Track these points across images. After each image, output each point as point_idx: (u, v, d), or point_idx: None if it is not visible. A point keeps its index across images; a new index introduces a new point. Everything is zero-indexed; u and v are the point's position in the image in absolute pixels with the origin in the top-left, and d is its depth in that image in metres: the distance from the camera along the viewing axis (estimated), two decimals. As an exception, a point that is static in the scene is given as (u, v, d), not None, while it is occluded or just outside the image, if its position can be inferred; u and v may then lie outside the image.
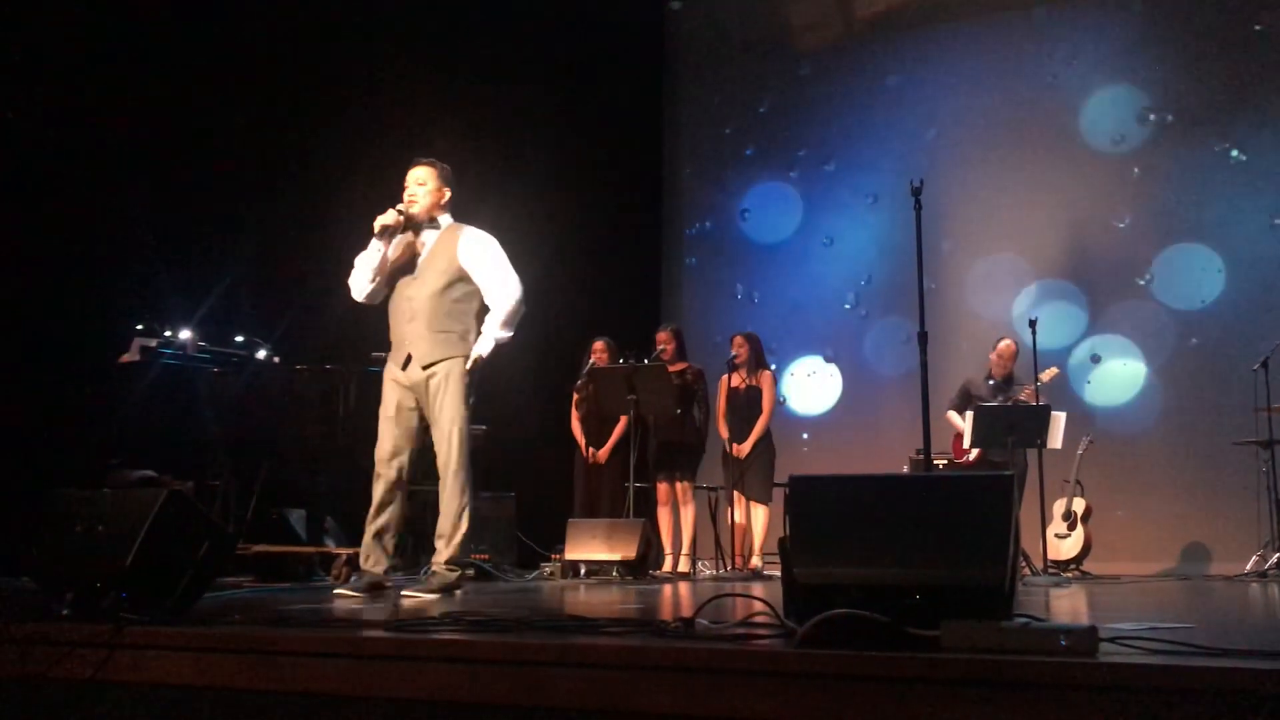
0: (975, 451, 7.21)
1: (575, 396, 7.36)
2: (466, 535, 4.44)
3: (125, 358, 5.82)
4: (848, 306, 9.58)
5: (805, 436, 9.24)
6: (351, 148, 7.49)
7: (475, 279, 4.54)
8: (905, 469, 7.59)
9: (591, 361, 7.20)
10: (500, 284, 4.55)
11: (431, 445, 4.49)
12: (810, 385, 9.47)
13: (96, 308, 6.38)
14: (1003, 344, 7.58)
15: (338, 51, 7.85)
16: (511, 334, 4.56)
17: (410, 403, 4.50)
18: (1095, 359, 8.76)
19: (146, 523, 2.98)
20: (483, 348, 4.50)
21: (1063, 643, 1.90)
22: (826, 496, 2.36)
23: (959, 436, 7.41)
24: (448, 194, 4.63)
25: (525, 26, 8.92)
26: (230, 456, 6.04)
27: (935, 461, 7.16)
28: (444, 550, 4.42)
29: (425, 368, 4.46)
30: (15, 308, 6.21)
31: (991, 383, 7.51)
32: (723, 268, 10.10)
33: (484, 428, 6.89)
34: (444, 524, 4.43)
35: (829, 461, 8.88)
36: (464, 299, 4.53)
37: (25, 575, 3.46)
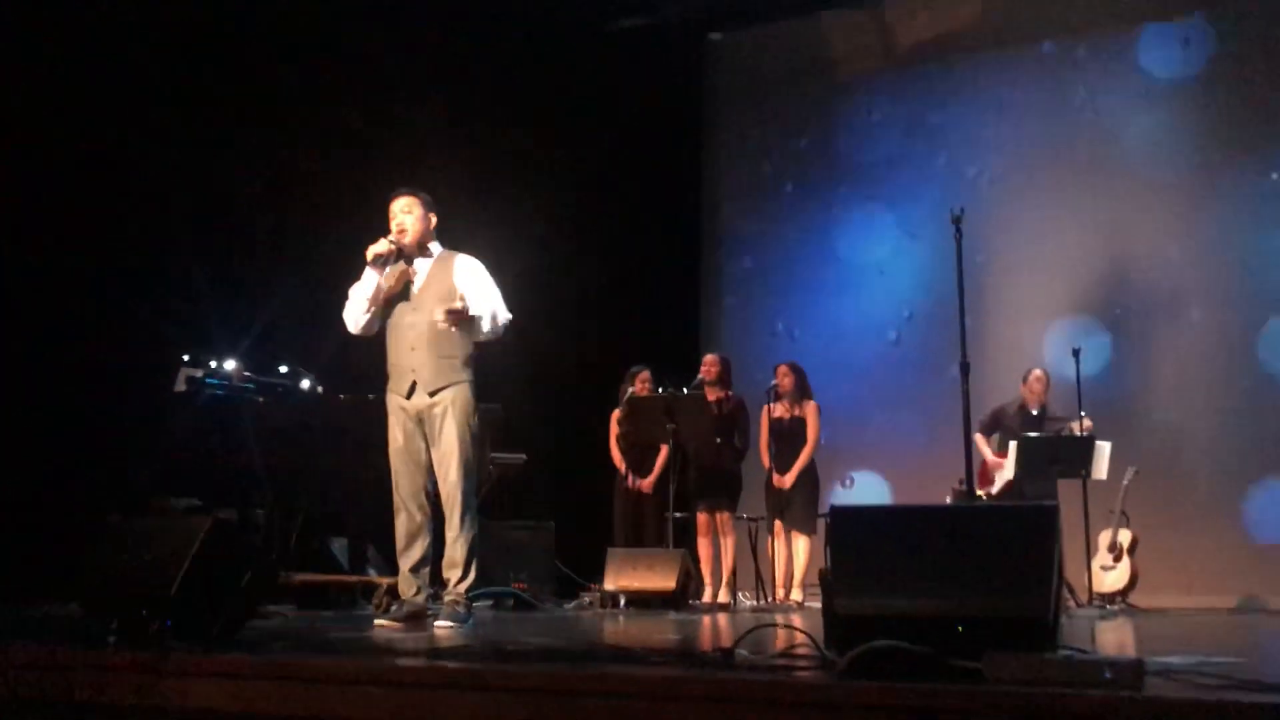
0: (1002, 482, 7.14)
1: (615, 424, 7.37)
2: (476, 564, 4.46)
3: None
4: (890, 340, 9.51)
5: (847, 464, 9.17)
6: (395, 182, 7.58)
7: (469, 301, 4.53)
8: (948, 500, 7.52)
9: (632, 390, 7.20)
10: (491, 310, 4.53)
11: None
12: (852, 408, 9.42)
13: (144, 337, 6.48)
14: (1034, 374, 7.50)
15: (379, 92, 7.97)
16: (486, 333, 4.50)
17: (416, 431, 4.51)
18: (1144, 378, 8.62)
19: (191, 551, 3.01)
20: (475, 307, 4.46)
21: (1107, 675, 1.87)
22: (868, 527, 2.35)
23: (985, 464, 7.37)
24: (434, 220, 4.64)
25: (562, 62, 8.99)
26: (273, 485, 6.07)
27: (978, 493, 7.09)
28: (458, 580, 4.42)
29: (431, 394, 4.47)
30: (63, 337, 6.33)
31: (1024, 413, 7.43)
32: (762, 303, 10.05)
33: (523, 456, 6.91)
34: (455, 553, 4.43)
35: (869, 493, 8.79)
36: (464, 324, 4.54)
37: (73, 601, 3.51)
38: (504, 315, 4.58)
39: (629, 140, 9.43)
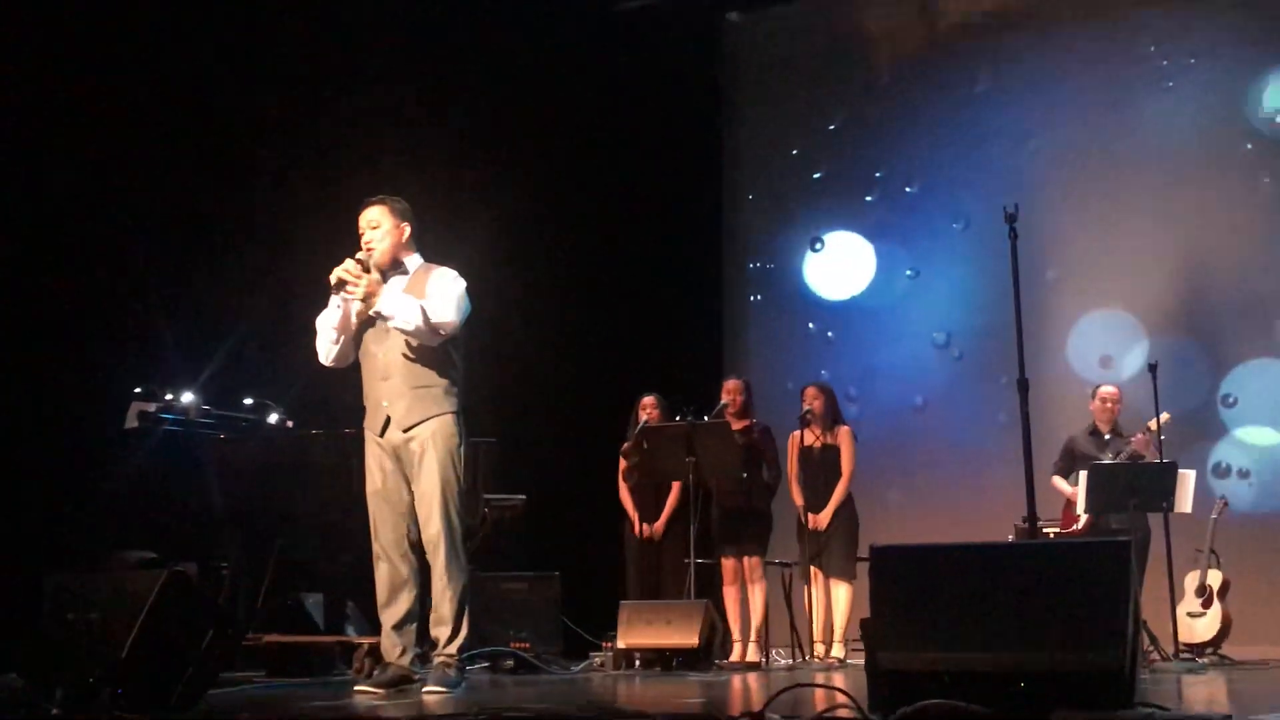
0: (1085, 519, 7.05)
1: (624, 462, 7.34)
2: (468, 619, 4.45)
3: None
4: (937, 347, 9.50)
5: (891, 498, 9.13)
6: (374, 187, 7.61)
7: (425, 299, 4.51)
8: (1010, 539, 7.46)
9: (644, 420, 7.20)
10: (442, 311, 4.47)
11: None
12: (896, 435, 9.39)
13: (90, 366, 6.49)
14: (1104, 389, 7.43)
15: (359, 92, 8.02)
16: (406, 326, 4.42)
17: (395, 471, 4.53)
18: (1229, 401, 8.58)
19: (144, 609, 3.02)
20: (387, 303, 4.40)
21: (1194, 737, 1.86)
22: (916, 570, 2.34)
23: (1069, 504, 7.26)
24: (407, 230, 4.62)
25: (564, 47, 9.02)
26: (239, 534, 6.07)
27: (1044, 530, 7.01)
28: (448, 639, 4.42)
29: (406, 430, 4.48)
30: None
31: (1095, 436, 7.37)
32: (793, 305, 10.04)
33: (522, 498, 6.89)
34: (442, 608, 4.43)
35: (919, 529, 8.76)
36: (443, 348, 4.54)
37: (12, 671, 3.52)
38: (440, 316, 4.47)
39: (637, 133, 9.44)
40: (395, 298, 4.45)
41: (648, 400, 7.32)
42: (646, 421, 7.14)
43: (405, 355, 4.51)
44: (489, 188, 8.62)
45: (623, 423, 7.36)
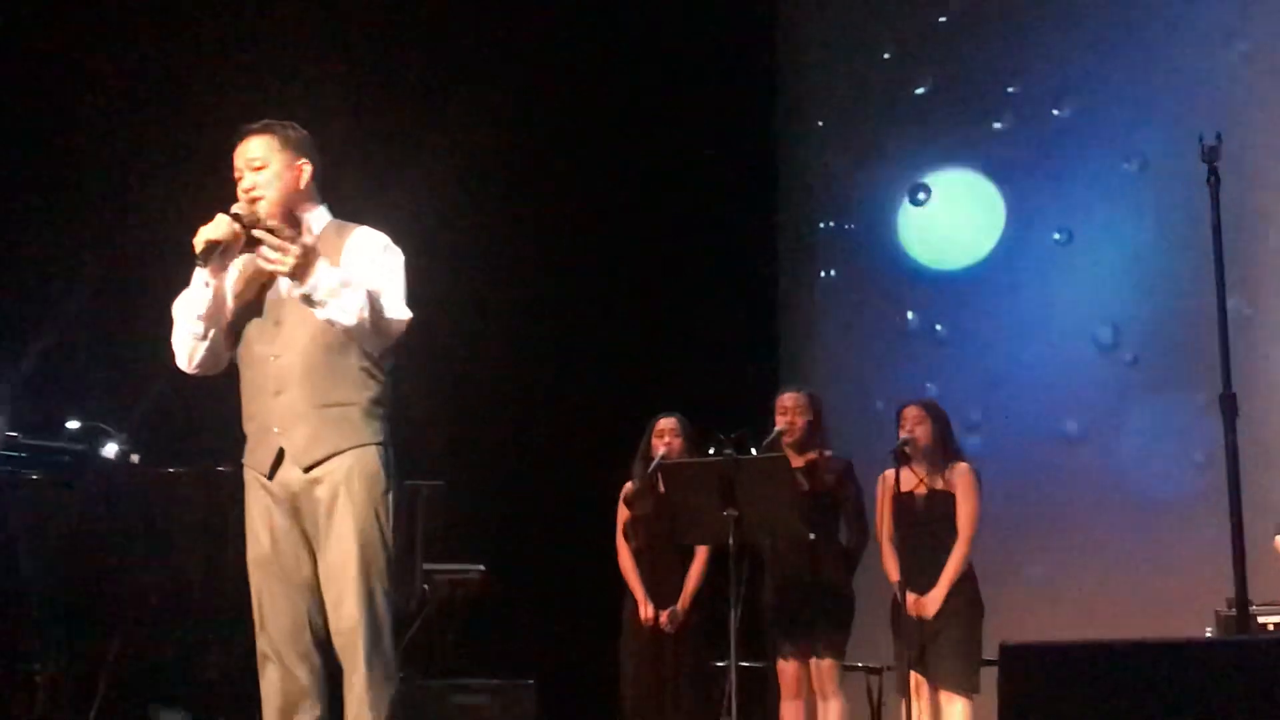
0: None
1: (626, 512, 7.37)
2: None
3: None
4: (1100, 347, 9.48)
5: (1031, 573, 9.12)
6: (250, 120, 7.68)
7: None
8: (1209, 631, 7.45)
9: (659, 453, 7.21)
10: (393, 300, 4.50)
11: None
12: (1038, 478, 9.38)
13: None
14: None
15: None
16: (344, 318, 4.34)
17: (291, 530, 4.54)
18: None
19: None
20: (324, 281, 4.31)
21: None
22: (1066, 679, 2.33)
23: None
24: (308, 171, 4.64)
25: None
26: (57, 625, 6.11)
27: (1261, 619, 6.99)
28: None
29: (309, 469, 4.49)
30: None
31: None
32: (883, 285, 10.05)
33: (480, 569, 6.90)
34: None
35: (1071, 619, 8.74)
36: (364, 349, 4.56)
37: None
38: (395, 311, 4.51)
39: (647, 28, 9.52)
40: (330, 275, 4.38)
41: (665, 424, 7.31)
42: (664, 455, 7.15)
43: (310, 358, 4.50)
44: (429, 115, 8.64)
45: (627, 456, 7.40)
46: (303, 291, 4.33)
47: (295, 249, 4.27)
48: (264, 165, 4.57)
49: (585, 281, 9.35)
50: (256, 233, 4.40)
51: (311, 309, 4.37)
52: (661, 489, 7.00)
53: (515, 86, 8.94)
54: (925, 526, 7.23)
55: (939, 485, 7.27)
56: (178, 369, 4.71)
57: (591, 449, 8.10)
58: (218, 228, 4.46)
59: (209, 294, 4.57)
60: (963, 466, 7.35)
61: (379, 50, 8.55)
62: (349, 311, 4.34)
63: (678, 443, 7.23)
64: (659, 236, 9.50)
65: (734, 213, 9.97)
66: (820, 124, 10.42)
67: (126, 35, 7.80)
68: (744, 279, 9.99)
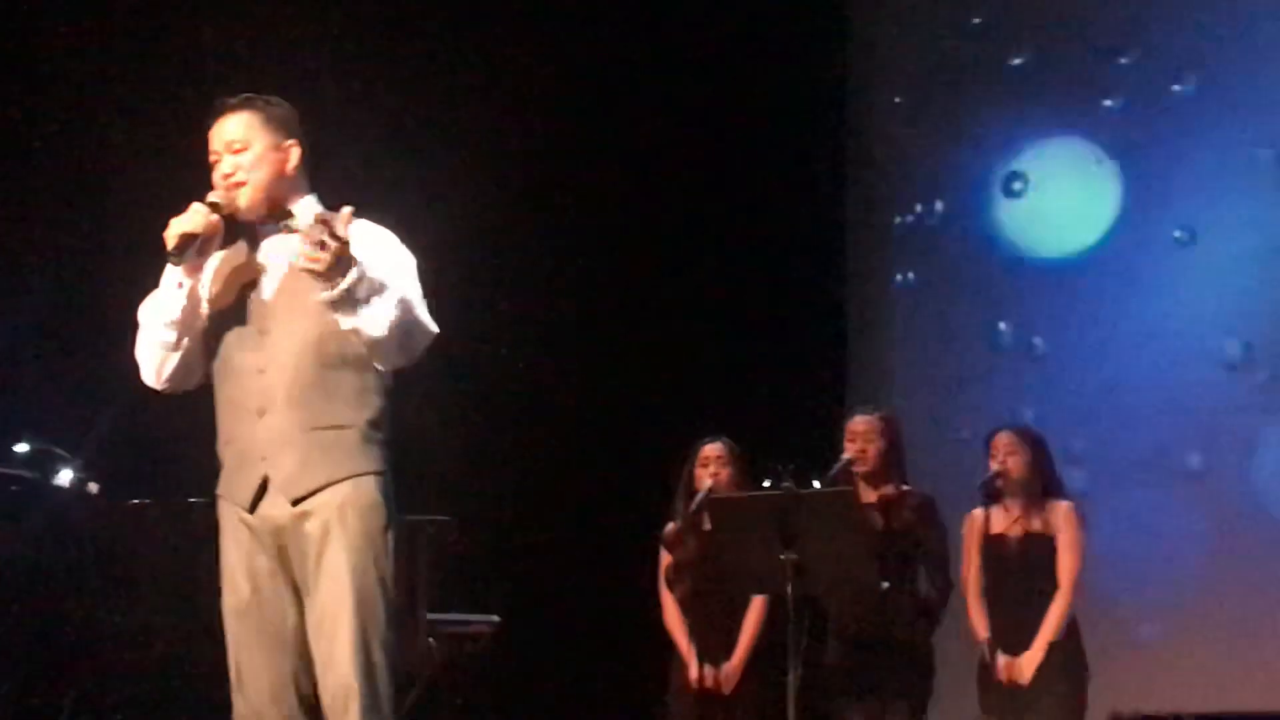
0: None
1: (668, 556, 7.40)
2: None
3: None
4: (1228, 367, 9.44)
5: (1145, 632, 9.09)
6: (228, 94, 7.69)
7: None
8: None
9: (705, 485, 7.23)
10: (401, 297, 4.41)
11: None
12: (1153, 520, 9.36)
13: None
14: None
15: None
16: (383, 334, 4.35)
17: (275, 574, 4.53)
18: None
19: None
20: (363, 277, 4.26)
21: None
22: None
23: None
24: (295, 155, 4.64)
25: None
26: (3, 679, 6.15)
27: None
28: None
29: (298, 501, 4.49)
30: None
31: None
32: (969, 289, 10.03)
33: (495, 619, 6.90)
34: None
35: (1191, 685, 8.70)
36: (360, 356, 4.53)
37: None
38: (426, 322, 4.54)
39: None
40: (368, 275, 4.33)
41: (711, 450, 7.31)
42: (710, 487, 7.17)
43: (301, 373, 4.48)
44: (442, 88, 8.68)
45: (667, 489, 7.43)
46: (336, 294, 4.28)
47: (333, 244, 4.21)
48: (245, 147, 4.51)
49: (618, 285, 9.33)
50: (178, 224, 4.39)
51: (338, 314, 4.33)
52: (707, 527, 7.04)
53: (544, 59, 8.95)
54: (1019, 575, 7.22)
55: (1036, 527, 7.26)
56: (143, 384, 4.71)
57: (625, 480, 8.11)
58: (193, 219, 4.41)
59: (182, 296, 4.52)
60: (1064, 505, 7.33)
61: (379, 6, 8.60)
62: (380, 321, 4.35)
63: (726, 472, 7.23)
64: (704, 231, 9.49)
65: (794, 204, 9.93)
66: (897, 100, 10.40)
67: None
68: (805, 281, 9.97)
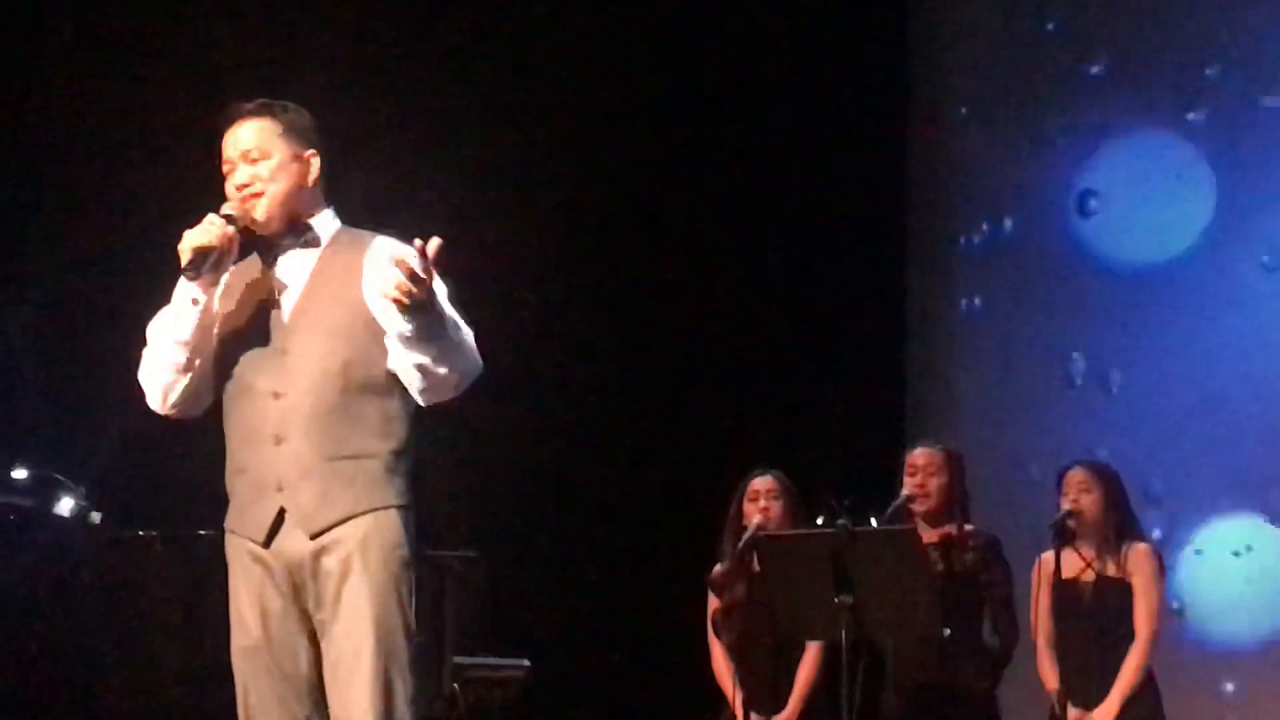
0: None
1: (715, 601, 7.37)
2: None
3: None
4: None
5: (1229, 688, 9.01)
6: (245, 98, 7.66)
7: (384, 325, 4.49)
8: None
9: (754, 522, 7.17)
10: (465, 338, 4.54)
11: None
12: (1239, 573, 9.25)
13: None
14: None
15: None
16: (454, 373, 4.45)
17: (288, 614, 4.51)
18: None
19: None
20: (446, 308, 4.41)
21: None
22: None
23: None
24: (315, 165, 4.64)
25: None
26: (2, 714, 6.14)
27: None
28: None
29: (316, 535, 4.48)
30: None
31: None
32: (1040, 315, 9.98)
33: (524, 664, 6.87)
34: None
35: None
36: (385, 381, 4.55)
37: None
38: (478, 358, 4.58)
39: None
40: (448, 307, 4.46)
41: (761, 484, 7.31)
42: (759, 523, 7.10)
43: (322, 399, 4.47)
44: (466, 97, 8.67)
45: (715, 525, 7.34)
46: (420, 326, 4.33)
47: (425, 278, 4.29)
48: (263, 156, 4.54)
49: (660, 307, 9.38)
50: (193, 237, 4.41)
51: (410, 349, 4.39)
52: (756, 568, 6.98)
53: (582, 64, 9.01)
54: (1093, 623, 7.16)
55: (1111, 571, 7.20)
56: (149, 408, 4.68)
57: (672, 516, 8.12)
58: (207, 232, 4.41)
59: (196, 313, 4.52)
60: (1142, 548, 7.27)
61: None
62: (451, 357, 4.44)
63: (777, 507, 7.22)
64: (755, 249, 9.53)
65: (851, 221, 9.92)
66: (963, 111, 10.39)
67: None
68: (863, 304, 9.96)
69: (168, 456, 6.82)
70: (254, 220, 4.52)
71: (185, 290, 4.49)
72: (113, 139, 7.35)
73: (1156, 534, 7.76)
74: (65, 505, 6.53)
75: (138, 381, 4.67)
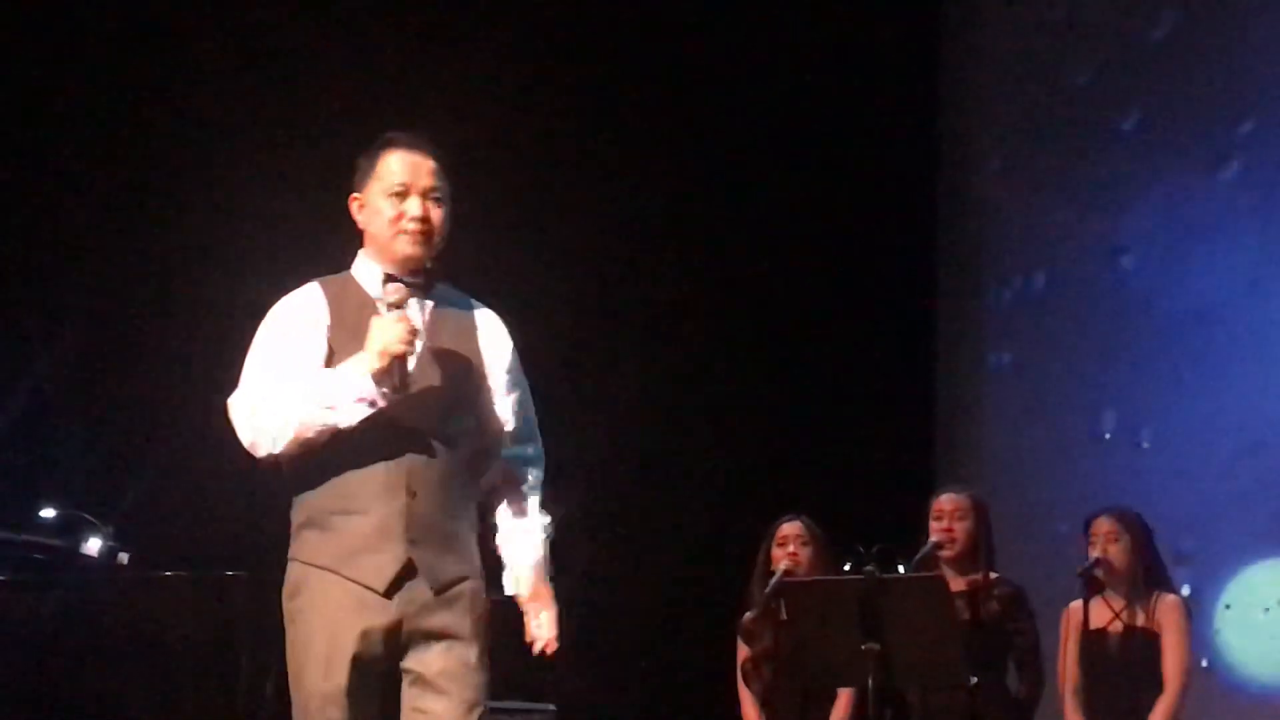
0: None
1: (744, 649, 7.40)
2: None
3: None
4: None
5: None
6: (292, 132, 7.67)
7: (498, 412, 4.71)
8: None
9: (781, 567, 7.19)
10: (536, 438, 4.84)
11: None
12: (1267, 629, 9.24)
13: None
14: None
15: None
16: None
17: (383, 659, 4.51)
18: None
19: None
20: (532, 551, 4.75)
21: None
22: None
23: None
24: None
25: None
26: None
27: None
28: None
29: (441, 590, 4.51)
30: None
31: None
32: (1069, 370, 9.98)
33: (550, 708, 6.87)
34: None
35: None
36: (483, 451, 4.70)
37: None
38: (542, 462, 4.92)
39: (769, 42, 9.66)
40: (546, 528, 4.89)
41: (790, 529, 7.33)
42: (786, 569, 7.12)
43: (455, 459, 4.58)
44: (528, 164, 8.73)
45: (744, 571, 7.36)
46: None
47: None
48: (444, 200, 4.60)
49: (693, 353, 9.43)
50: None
51: None
52: (784, 616, 6.99)
53: (619, 120, 9.05)
54: (1121, 674, 7.17)
55: (1139, 622, 7.19)
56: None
57: (701, 562, 8.11)
58: (402, 334, 4.37)
59: (367, 413, 4.43)
60: (1171, 599, 7.26)
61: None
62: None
63: (805, 553, 7.25)
64: (789, 298, 9.54)
65: (883, 274, 9.96)
66: (995, 164, 10.40)
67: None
68: (892, 356, 10.03)
69: (196, 497, 6.82)
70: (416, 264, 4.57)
71: (363, 387, 4.40)
72: (152, 177, 7.37)
73: (1186, 590, 7.72)
74: (93, 545, 6.54)
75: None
